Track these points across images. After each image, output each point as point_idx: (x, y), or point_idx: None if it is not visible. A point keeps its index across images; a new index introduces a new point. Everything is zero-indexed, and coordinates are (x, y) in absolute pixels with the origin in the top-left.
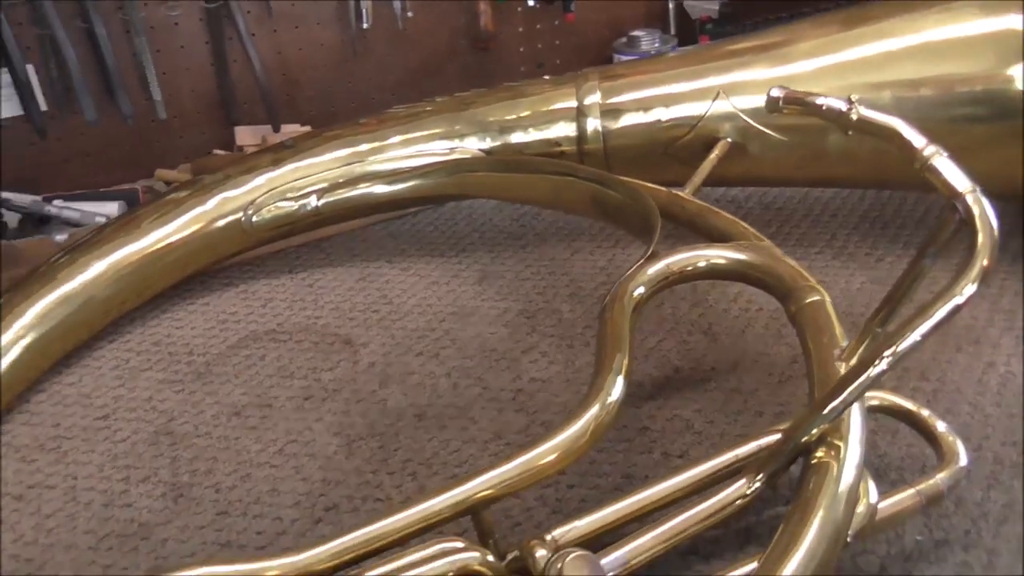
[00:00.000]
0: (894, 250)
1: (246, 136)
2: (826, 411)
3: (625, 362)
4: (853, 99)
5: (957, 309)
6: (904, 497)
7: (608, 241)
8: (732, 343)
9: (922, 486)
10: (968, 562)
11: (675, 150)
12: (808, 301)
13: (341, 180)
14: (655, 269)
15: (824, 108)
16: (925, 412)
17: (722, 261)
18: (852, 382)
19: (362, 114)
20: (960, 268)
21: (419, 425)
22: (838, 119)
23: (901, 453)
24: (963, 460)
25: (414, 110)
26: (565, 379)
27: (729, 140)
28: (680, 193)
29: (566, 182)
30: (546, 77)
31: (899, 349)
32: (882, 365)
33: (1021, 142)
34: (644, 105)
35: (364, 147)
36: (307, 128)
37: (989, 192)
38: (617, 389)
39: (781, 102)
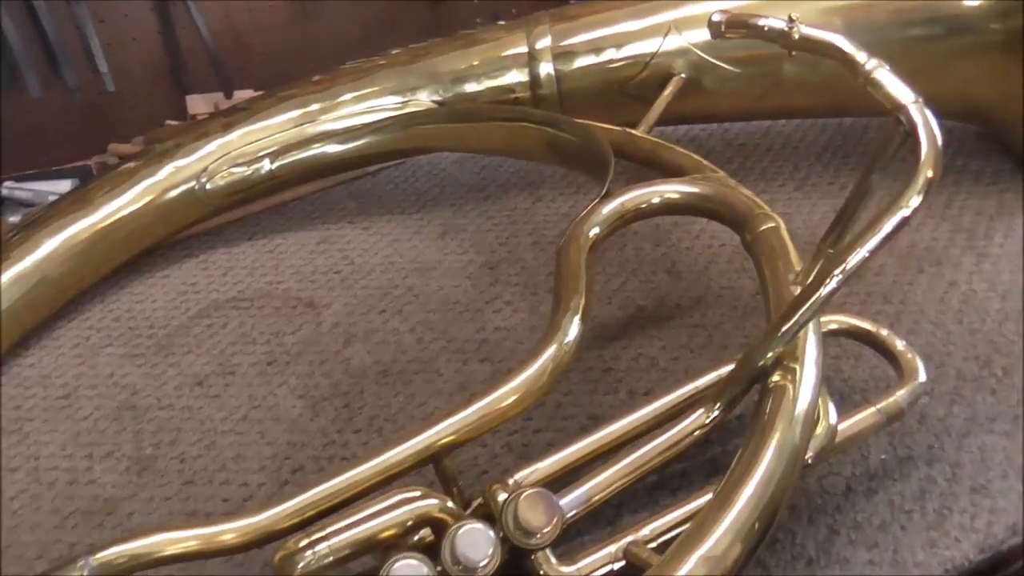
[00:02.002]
0: (856, 178)
1: (199, 104)
2: (780, 333)
3: (582, 302)
4: (793, 17)
5: (904, 221)
6: (865, 416)
7: (571, 188)
8: (695, 279)
9: (882, 404)
10: (932, 476)
11: (631, 89)
12: (763, 229)
13: (293, 142)
14: (609, 208)
15: (766, 29)
16: (884, 331)
17: (675, 195)
18: (804, 303)
19: (314, 75)
20: (907, 180)
21: (384, 382)
22: (780, 39)
23: (864, 375)
24: (922, 376)
25: (366, 65)
26: (530, 326)
27: (683, 76)
28: (634, 131)
29: (519, 128)
30: (500, 23)
31: (848, 266)
32: (832, 283)
33: (977, 59)
34: (596, 46)
35: (315, 106)
36: (261, 92)
37: (952, 113)
38: (573, 329)
39: (723, 26)
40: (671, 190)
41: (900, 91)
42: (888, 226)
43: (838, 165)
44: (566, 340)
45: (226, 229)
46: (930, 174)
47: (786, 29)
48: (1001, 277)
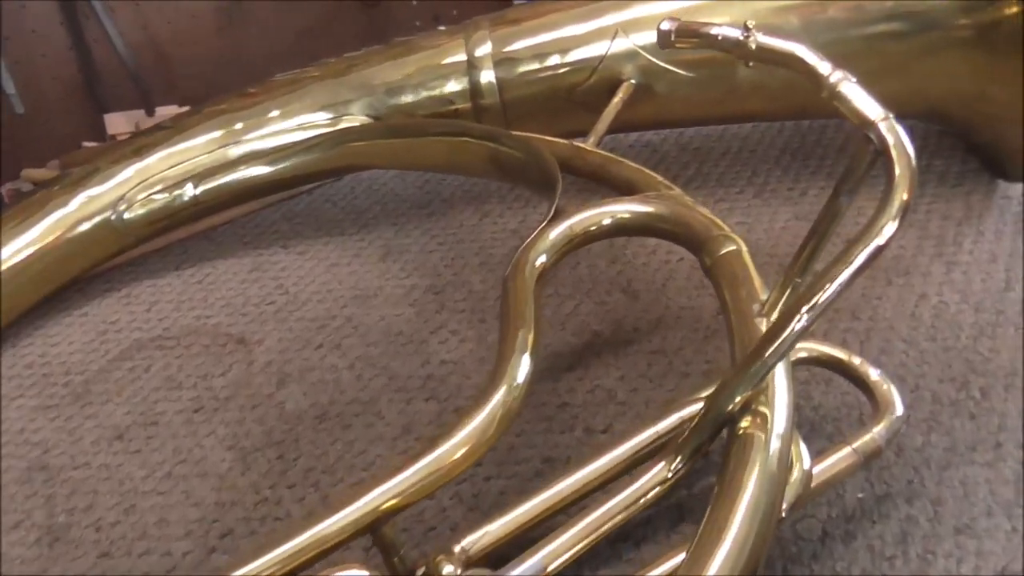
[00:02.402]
0: (817, 182)
1: (118, 123)
2: (746, 376)
3: (530, 338)
4: (749, 25)
5: (879, 251)
6: (840, 457)
7: (519, 202)
8: (653, 299)
9: (858, 443)
10: (913, 515)
11: (578, 97)
12: (723, 252)
13: (218, 164)
14: (557, 232)
15: (720, 39)
16: (856, 360)
17: (627, 215)
18: (772, 342)
19: (247, 87)
20: (879, 205)
21: (321, 427)
22: (735, 49)
23: (836, 403)
24: (899, 409)
25: (298, 77)
26: (478, 357)
27: (633, 81)
28: (582, 144)
29: (460, 143)
30: (441, 28)
31: (819, 301)
32: (803, 321)
33: (942, 56)
34: (539, 51)
35: (241, 124)
36: (186, 108)
37: (914, 112)
38: (523, 370)
39: (673, 35)
40: (623, 210)
41: (869, 107)
42: (861, 257)
43: (798, 169)
44: (515, 382)
45: (150, 259)
46: (904, 197)
47: (741, 39)
48: (973, 287)
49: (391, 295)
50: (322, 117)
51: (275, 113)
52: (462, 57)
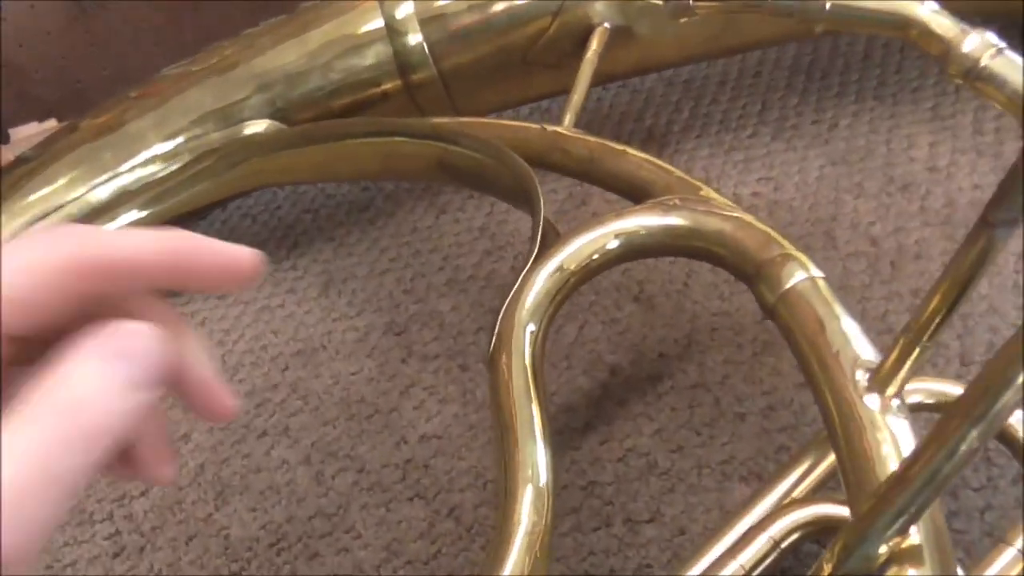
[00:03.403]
0: (845, 107)
1: None
2: (882, 524)
3: (539, 425)
4: None
5: None
6: (1006, 563)
7: None
8: (675, 307)
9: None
10: None
11: (537, 55)
12: (792, 284)
13: (85, 214)
14: (545, 279)
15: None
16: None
17: (642, 233)
18: (918, 471)
19: (123, 85)
20: None
21: (278, 559)
22: (799, 14)
23: (981, 479)
24: None
25: (184, 72)
26: (467, 425)
27: (607, 25)
28: (559, 130)
29: (395, 144)
30: None
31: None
32: (969, 440)
33: None
34: (478, 1)
35: (109, 154)
36: (52, 124)
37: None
38: (541, 499)
39: None
40: (634, 226)
41: None
42: None
43: (818, 92)
44: (537, 516)
45: None
46: None
47: None
48: None
49: (342, 344)
50: (210, 128)
51: (149, 134)
52: (378, 23)
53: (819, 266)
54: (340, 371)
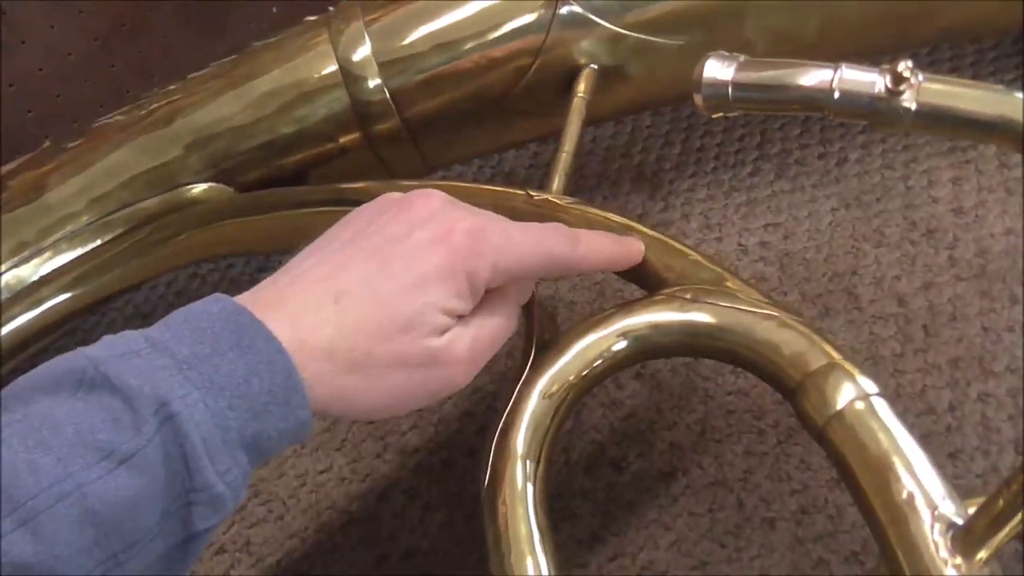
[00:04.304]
0: (854, 136)
1: None
2: None
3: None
4: (909, 66)
5: None
6: None
7: None
8: (684, 384)
9: None
10: None
11: (516, 100)
12: (845, 406)
13: (10, 298)
14: (542, 396)
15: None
16: None
17: (652, 331)
18: None
19: (47, 126)
20: None
21: None
22: (871, 115)
23: None
24: None
25: (114, 124)
26: (455, 538)
27: (594, 66)
28: (549, 197)
29: None
30: (309, 18)
31: None
32: None
33: None
34: (444, 39)
35: (27, 228)
36: None
37: None
38: None
39: (730, 93)
40: (644, 324)
41: None
42: None
43: (822, 120)
44: None
45: None
46: None
47: (881, 93)
48: None
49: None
50: (142, 195)
51: (72, 200)
52: (331, 67)
53: (843, 331)
54: (307, 469)
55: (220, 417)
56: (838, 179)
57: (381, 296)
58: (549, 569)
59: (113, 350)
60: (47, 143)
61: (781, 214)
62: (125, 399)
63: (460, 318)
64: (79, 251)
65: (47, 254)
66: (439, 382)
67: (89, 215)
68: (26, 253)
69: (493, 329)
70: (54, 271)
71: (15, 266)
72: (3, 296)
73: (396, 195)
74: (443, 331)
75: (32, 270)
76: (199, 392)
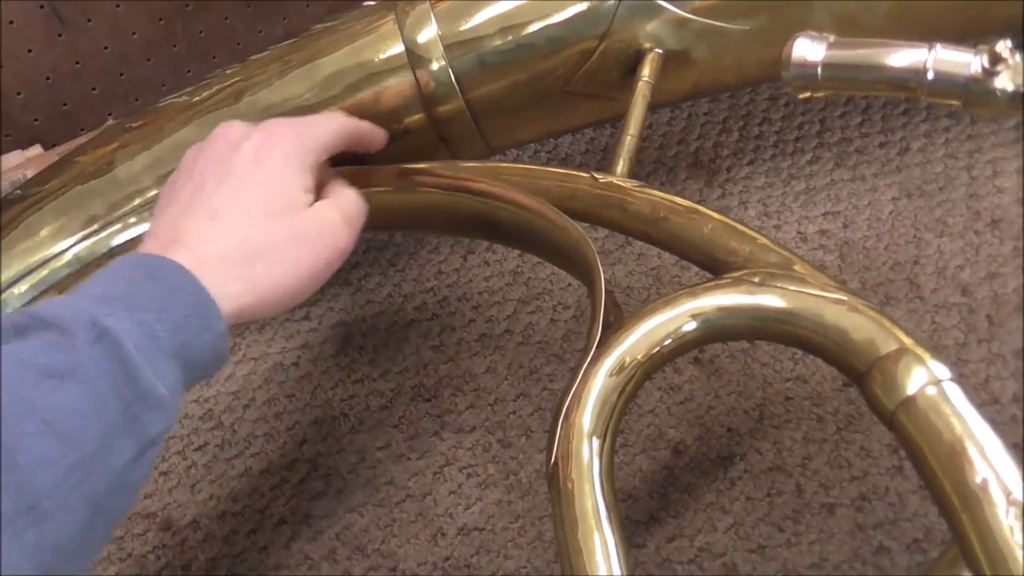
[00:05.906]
0: (916, 125)
1: None
2: None
3: (617, 563)
4: (1005, 46)
5: None
6: None
7: None
8: (742, 370)
9: None
10: None
11: (579, 84)
12: (915, 392)
13: (75, 270)
14: (609, 376)
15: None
16: None
17: (722, 314)
18: None
19: (115, 105)
20: None
21: None
22: (978, 93)
23: None
24: None
25: (182, 104)
26: (512, 515)
27: (659, 51)
28: (614, 180)
29: (425, 196)
30: (367, 3)
31: None
32: None
33: None
34: (510, 23)
35: (97, 201)
36: (36, 151)
37: None
38: None
39: (819, 73)
40: (713, 306)
41: None
42: None
43: (884, 108)
44: None
45: None
46: None
47: (982, 70)
48: None
49: (365, 412)
50: None
51: (140, 175)
52: (398, 48)
53: (904, 320)
54: (366, 445)
55: (147, 327)
56: (899, 168)
57: (246, 197)
58: (616, 544)
59: (41, 305)
60: (110, 120)
61: (841, 203)
62: (59, 329)
63: (316, 198)
64: (146, 226)
65: (116, 226)
66: (328, 248)
67: (157, 190)
68: (95, 226)
69: (350, 196)
70: (125, 242)
71: (86, 238)
72: (76, 268)
73: (198, 144)
74: (310, 205)
75: (104, 243)
76: (125, 311)
